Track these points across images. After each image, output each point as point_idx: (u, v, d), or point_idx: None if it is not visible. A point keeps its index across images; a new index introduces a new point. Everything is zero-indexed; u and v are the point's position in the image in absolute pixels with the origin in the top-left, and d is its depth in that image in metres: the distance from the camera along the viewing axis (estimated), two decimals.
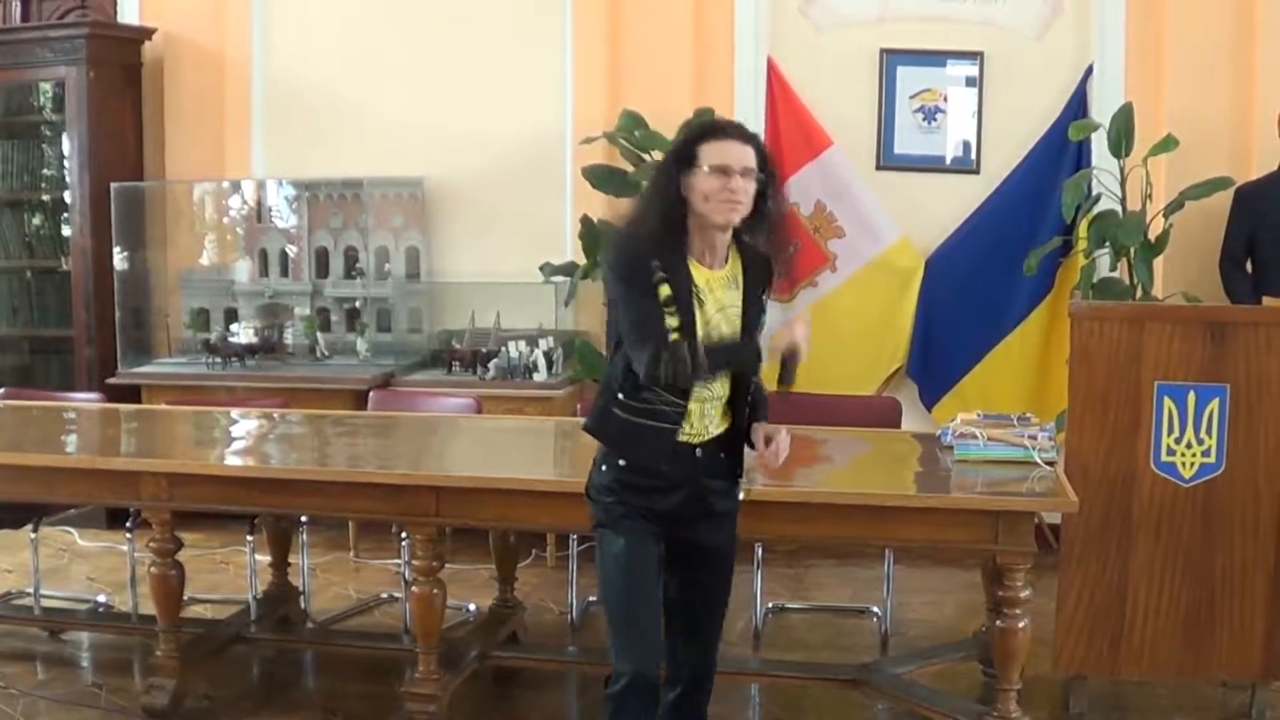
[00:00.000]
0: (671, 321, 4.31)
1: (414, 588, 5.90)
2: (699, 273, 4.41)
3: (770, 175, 4.43)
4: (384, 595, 7.78)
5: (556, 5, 9.11)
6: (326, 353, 9.23)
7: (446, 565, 5.95)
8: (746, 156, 4.34)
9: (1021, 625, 5.33)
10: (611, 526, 4.57)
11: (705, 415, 4.52)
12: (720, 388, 4.53)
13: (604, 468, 4.58)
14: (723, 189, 4.29)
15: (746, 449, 4.66)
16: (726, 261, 4.50)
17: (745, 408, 4.63)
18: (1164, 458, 6.00)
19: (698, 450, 4.54)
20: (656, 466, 4.48)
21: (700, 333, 4.35)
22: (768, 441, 4.59)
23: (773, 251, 4.55)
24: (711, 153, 4.32)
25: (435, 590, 5.84)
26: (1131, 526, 6.02)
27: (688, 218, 4.38)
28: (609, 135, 8.55)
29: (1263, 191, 8.24)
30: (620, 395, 4.47)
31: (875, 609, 7.31)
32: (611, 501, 4.55)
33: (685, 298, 4.33)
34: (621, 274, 4.42)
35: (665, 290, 4.31)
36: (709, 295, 4.41)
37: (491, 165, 9.17)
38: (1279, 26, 8.52)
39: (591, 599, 7.62)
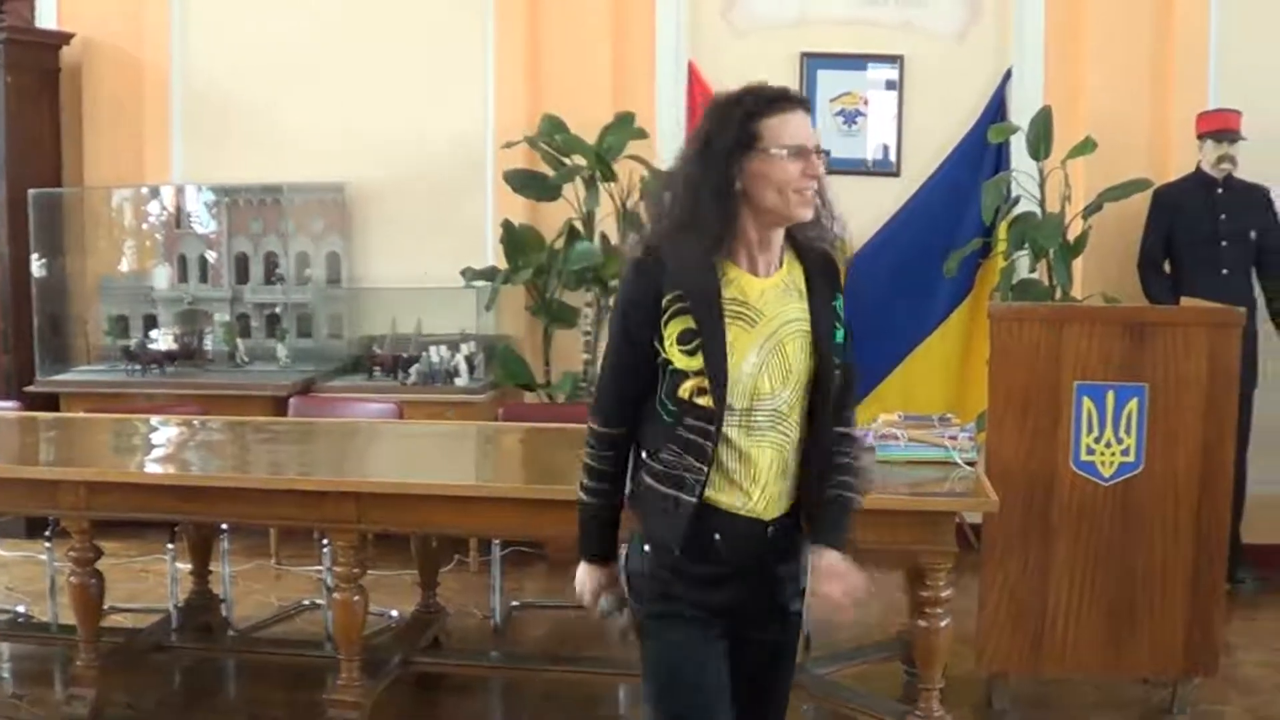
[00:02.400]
0: (690, 362, 3.46)
1: (336, 594, 5.88)
2: (749, 285, 3.54)
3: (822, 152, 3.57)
4: (306, 602, 7.73)
5: (477, 10, 9.09)
6: (247, 359, 9.18)
7: (368, 571, 5.93)
8: (814, 130, 3.56)
9: (943, 625, 5.37)
10: (656, 623, 3.65)
11: (773, 482, 3.58)
12: (793, 436, 3.60)
13: (645, 548, 3.62)
14: (802, 175, 3.47)
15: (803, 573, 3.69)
16: (782, 264, 3.62)
17: (824, 461, 3.66)
18: (1083, 457, 6.04)
19: (770, 528, 3.59)
20: (669, 549, 3.54)
21: (752, 359, 3.49)
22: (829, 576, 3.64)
23: (830, 245, 3.71)
24: (780, 130, 3.46)
25: (357, 597, 5.81)
26: (1052, 526, 6.07)
27: (738, 214, 3.51)
28: (530, 139, 8.56)
29: (1180, 193, 8.33)
30: (645, 454, 3.62)
31: (798, 610, 7.30)
32: (655, 594, 3.62)
33: (713, 327, 3.45)
34: (621, 309, 3.63)
35: (684, 323, 3.46)
36: (762, 312, 3.53)
37: (413, 170, 9.14)
38: (1196, 30, 8.62)
39: (515, 603, 7.63)
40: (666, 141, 8.86)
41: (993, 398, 6.10)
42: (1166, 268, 8.40)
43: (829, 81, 8.98)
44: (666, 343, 3.50)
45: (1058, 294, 8.13)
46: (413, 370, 8.68)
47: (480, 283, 8.70)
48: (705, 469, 3.49)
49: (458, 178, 9.12)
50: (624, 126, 8.47)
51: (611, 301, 8.47)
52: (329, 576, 6.50)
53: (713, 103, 3.63)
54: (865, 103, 8.98)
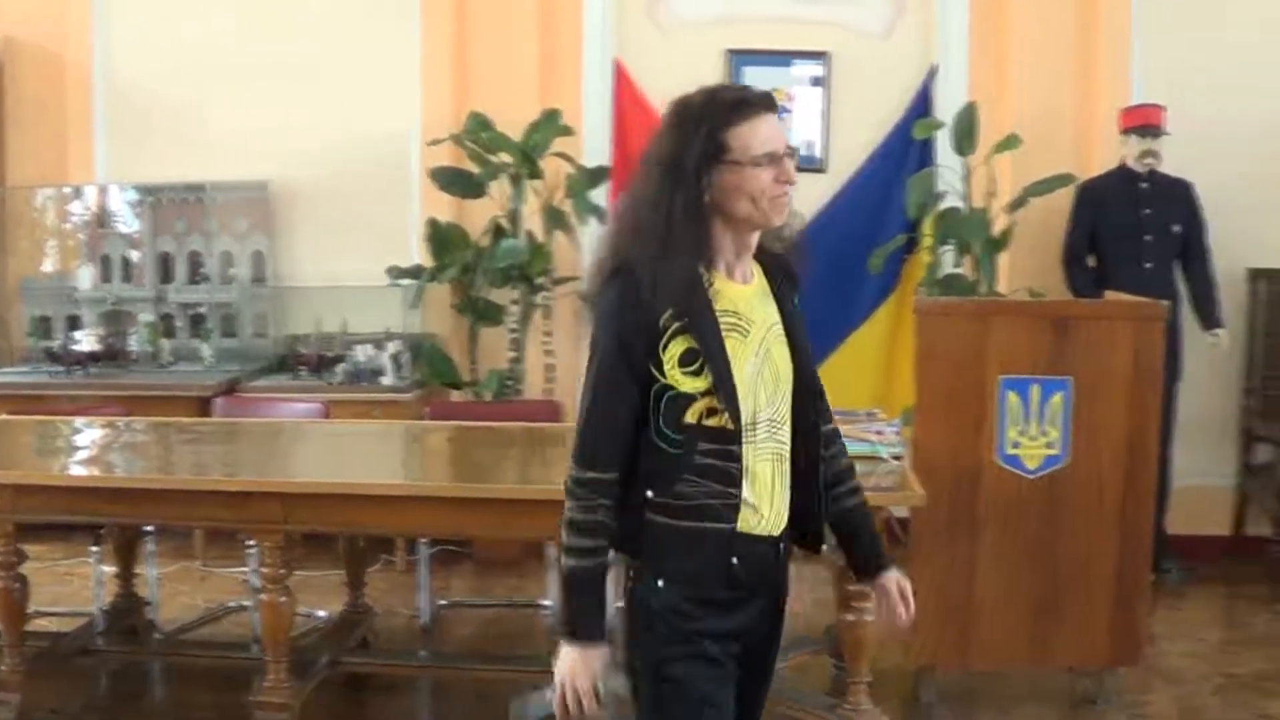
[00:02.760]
0: (696, 383, 3.29)
1: (262, 596, 5.83)
2: (735, 292, 3.41)
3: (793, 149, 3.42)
4: (232, 604, 7.67)
5: (403, 7, 9.05)
6: (171, 359, 9.10)
7: (295, 572, 5.89)
8: (782, 131, 3.41)
9: (870, 619, 5.37)
10: (676, 665, 3.38)
11: (778, 494, 3.45)
12: (787, 443, 3.48)
13: (660, 582, 3.37)
14: (775, 182, 3.32)
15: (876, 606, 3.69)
16: (753, 264, 3.51)
17: (818, 464, 3.56)
18: (1009, 450, 6.08)
19: (780, 544, 3.48)
20: (719, 581, 3.37)
21: (750, 371, 3.37)
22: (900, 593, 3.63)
23: (787, 245, 3.57)
24: (751, 136, 3.31)
25: (284, 598, 5.76)
26: (978, 519, 6.10)
27: (712, 229, 3.36)
28: (455, 137, 8.53)
29: (1104, 188, 8.41)
30: (650, 493, 3.35)
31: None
32: (676, 632, 3.37)
33: (714, 344, 3.31)
34: (605, 344, 3.37)
35: (684, 343, 3.29)
36: (751, 319, 3.41)
37: (337, 168, 9.10)
38: (1120, 26, 8.70)
39: (442, 602, 7.61)
40: (592, 138, 8.91)
41: (919, 392, 6.12)
42: (1090, 262, 8.47)
43: (755, 78, 8.96)
44: (667, 366, 3.30)
45: (983, 288, 8.18)
46: (338, 369, 8.64)
47: (406, 281, 8.67)
48: (736, 493, 3.34)
49: (383, 175, 9.08)
50: (550, 124, 8.45)
51: (536, 299, 8.48)
52: (255, 578, 6.47)
53: (673, 112, 3.41)
54: (791, 99, 9.00)
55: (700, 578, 3.36)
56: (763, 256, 3.51)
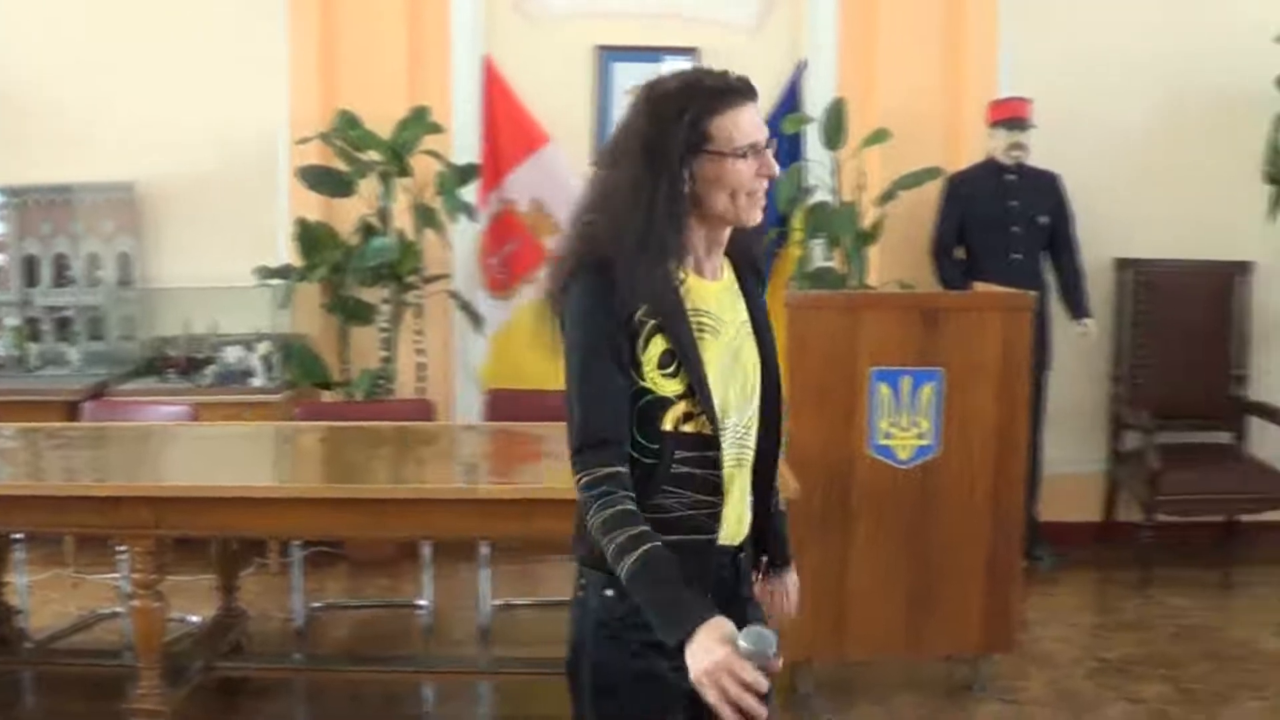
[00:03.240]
0: (673, 385, 3.14)
1: (134, 602, 5.76)
2: (705, 290, 3.27)
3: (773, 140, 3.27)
4: (104, 611, 7.56)
5: (270, 4, 8.93)
6: (38, 363, 8.97)
7: (167, 577, 5.81)
8: (761, 119, 3.24)
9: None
10: (634, 686, 3.23)
11: (739, 502, 3.33)
12: (750, 448, 3.35)
13: (610, 593, 3.20)
14: (756, 175, 3.18)
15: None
16: (722, 267, 3.37)
17: (773, 473, 3.47)
18: (881, 441, 6.13)
19: (741, 555, 3.37)
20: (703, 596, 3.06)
21: (719, 378, 3.21)
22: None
23: (751, 239, 3.42)
24: (733, 127, 3.15)
25: (156, 603, 5.70)
26: (851, 510, 6.15)
27: (688, 223, 3.21)
28: (324, 135, 8.46)
29: (972, 180, 8.50)
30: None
31: None
32: (639, 645, 3.16)
33: (688, 344, 3.16)
34: (588, 337, 3.14)
35: (661, 344, 3.13)
36: (721, 318, 3.28)
37: (204, 168, 8.98)
38: (987, 20, 8.79)
39: (316, 605, 7.56)
40: (461, 135, 8.86)
41: (790, 385, 6.11)
42: (959, 254, 8.54)
43: (624, 74, 8.98)
44: (646, 369, 3.14)
45: (853, 282, 8.22)
46: (208, 371, 8.54)
47: (275, 281, 8.59)
48: (719, 501, 3.22)
49: (250, 175, 8.96)
50: (419, 121, 8.41)
51: (407, 297, 8.45)
52: (127, 584, 6.39)
53: (648, 98, 3.21)
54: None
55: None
56: (734, 251, 3.37)
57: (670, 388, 3.14)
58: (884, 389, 6.13)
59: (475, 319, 8.65)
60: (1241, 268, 8.90)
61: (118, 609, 7.29)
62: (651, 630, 2.98)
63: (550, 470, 6.15)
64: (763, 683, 2.81)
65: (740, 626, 2.88)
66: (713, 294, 3.26)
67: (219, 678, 6.50)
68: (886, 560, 6.21)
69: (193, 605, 7.33)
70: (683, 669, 2.86)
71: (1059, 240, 8.52)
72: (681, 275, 3.19)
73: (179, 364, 8.68)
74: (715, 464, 3.19)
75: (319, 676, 6.76)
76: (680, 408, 3.15)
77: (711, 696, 2.79)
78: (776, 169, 3.22)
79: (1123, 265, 8.91)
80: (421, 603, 7.32)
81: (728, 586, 3.29)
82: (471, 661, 6.84)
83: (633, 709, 3.23)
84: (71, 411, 7.94)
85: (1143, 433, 8.37)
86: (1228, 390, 8.95)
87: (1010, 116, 8.40)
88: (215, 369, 8.53)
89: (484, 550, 7.07)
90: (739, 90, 3.18)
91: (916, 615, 6.26)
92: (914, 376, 6.14)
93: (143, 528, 5.58)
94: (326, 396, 8.67)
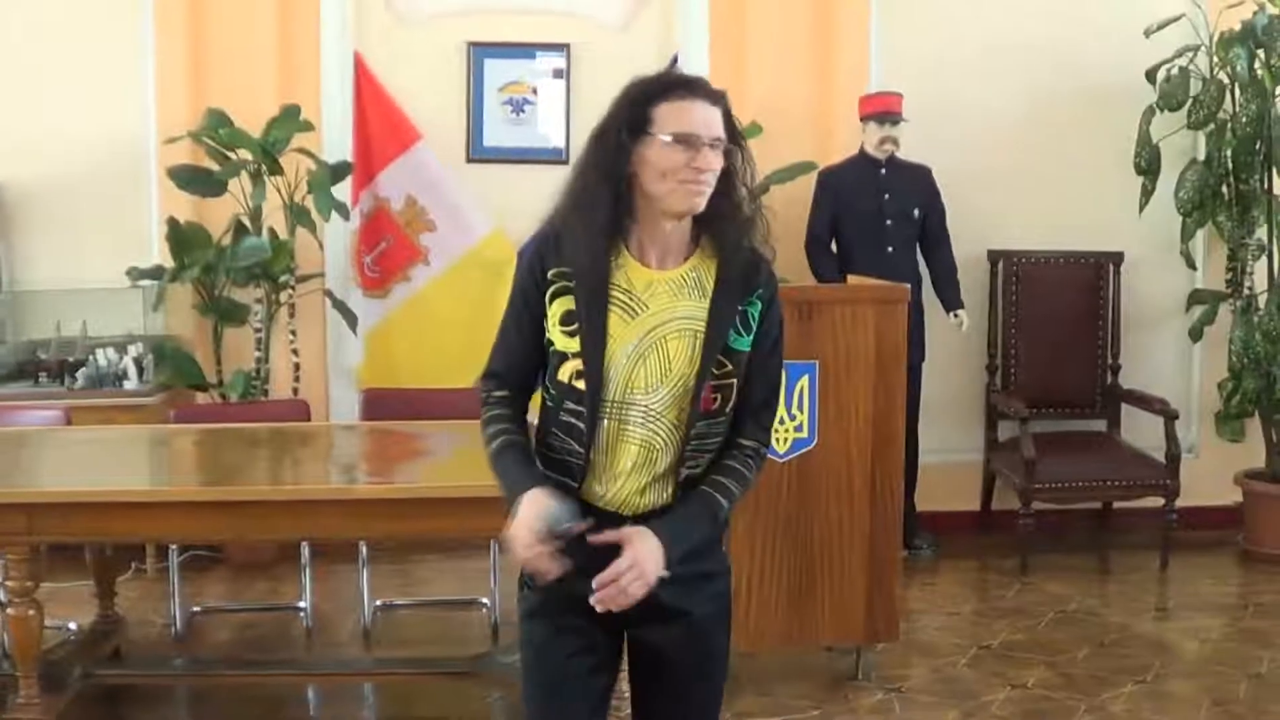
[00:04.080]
0: (570, 344, 3.38)
1: (10, 610, 5.67)
2: (637, 274, 3.43)
3: (740, 147, 3.48)
4: None
5: (137, 3, 8.83)
6: None
7: (43, 584, 5.73)
8: (715, 122, 3.38)
9: None
10: (527, 616, 3.57)
11: (632, 476, 3.44)
12: (664, 437, 3.44)
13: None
14: (688, 165, 3.32)
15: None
16: (687, 260, 3.48)
17: (698, 471, 3.49)
18: None
19: (626, 525, 3.41)
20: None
21: (628, 351, 3.38)
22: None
23: (756, 248, 3.55)
24: (672, 116, 3.35)
25: (32, 611, 5.61)
26: None
27: (633, 201, 3.41)
28: (193, 134, 8.37)
29: (844, 174, 8.55)
30: (536, 442, 3.53)
31: (484, 600, 7.29)
32: (530, 586, 3.53)
33: (595, 312, 3.37)
34: (515, 283, 3.51)
35: (567, 303, 3.39)
36: (646, 304, 3.41)
37: (73, 168, 8.84)
38: (858, 14, 8.89)
39: (195, 609, 7.50)
40: (333, 133, 8.80)
41: None
42: (833, 247, 8.58)
43: (496, 70, 8.98)
44: (550, 322, 3.42)
45: None
46: (80, 374, 8.41)
47: (146, 282, 8.49)
48: (586, 454, 3.41)
49: (120, 175, 8.82)
50: (289, 119, 8.34)
51: (281, 297, 8.39)
52: (1, 592, 6.29)
53: (621, 89, 3.53)
54: (534, 91, 8.99)
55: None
56: (731, 256, 3.47)
57: (565, 344, 3.39)
58: None
59: (350, 318, 8.58)
60: (1113, 258, 9.02)
61: None
62: (567, 580, 3.33)
63: (428, 469, 6.14)
64: (541, 563, 3.29)
65: (644, 606, 3.32)
66: (645, 280, 3.42)
67: (99, 685, 6.41)
68: (767, 553, 6.23)
69: (70, 612, 7.22)
70: (582, 620, 3.41)
71: (932, 233, 8.60)
72: (619, 253, 3.42)
73: (50, 368, 8.55)
74: (589, 422, 3.39)
75: (200, 682, 6.69)
76: (574, 364, 3.38)
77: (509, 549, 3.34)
78: (712, 165, 3.35)
79: (995, 257, 9.00)
80: (302, 605, 7.29)
81: (604, 551, 3.33)
82: (354, 663, 6.82)
83: (537, 651, 3.58)
84: None
85: (1018, 422, 8.44)
86: (1101, 379, 9.07)
87: (881, 110, 8.46)
88: (87, 372, 8.39)
89: (363, 550, 7.05)
90: (691, 86, 3.41)
91: (798, 606, 6.28)
92: (790, 369, 6.14)
93: (16, 534, 5.49)
94: (201, 398, 8.59)
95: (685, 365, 3.40)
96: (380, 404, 7.31)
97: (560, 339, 3.40)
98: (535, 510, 3.29)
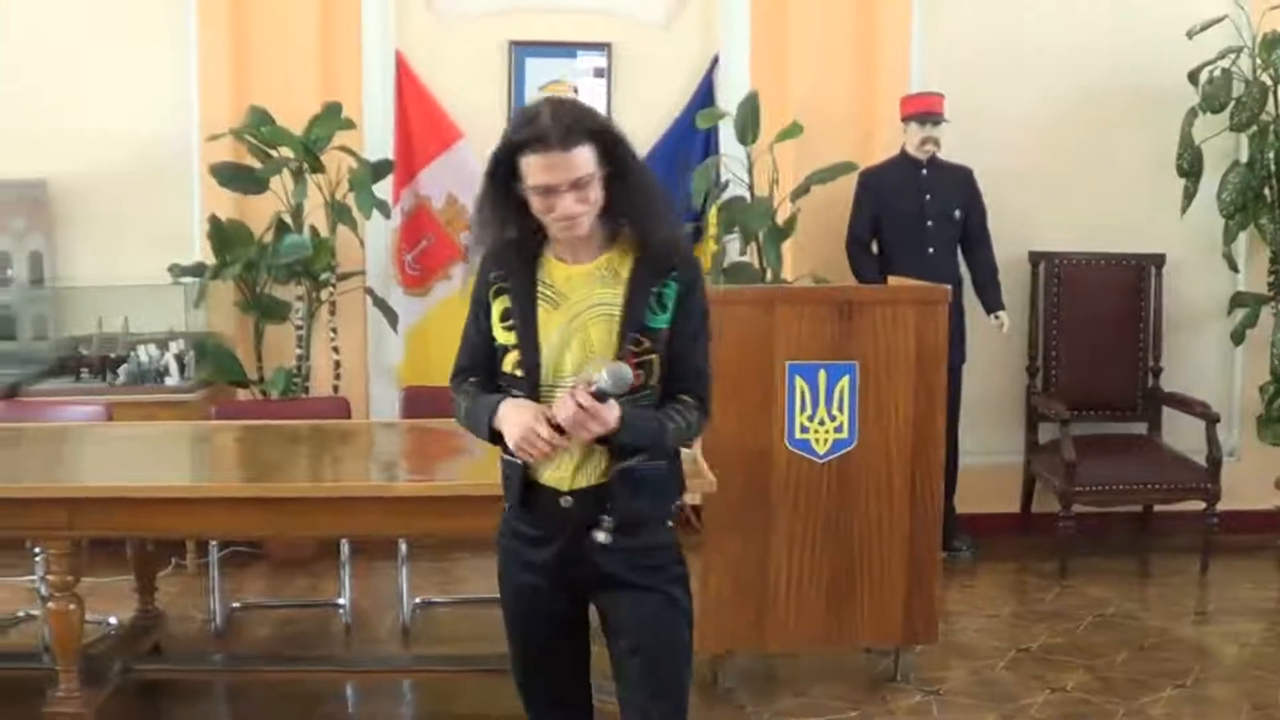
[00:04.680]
0: (509, 336, 3.78)
1: (51, 604, 5.70)
2: (556, 270, 3.80)
3: (619, 159, 3.72)
4: (20, 614, 7.49)
5: (179, 1, 8.86)
6: None
7: (84, 578, 5.76)
8: (574, 164, 3.61)
9: None
10: (501, 579, 4.04)
11: (567, 455, 3.75)
12: None
13: (504, 511, 4.00)
14: (549, 213, 3.66)
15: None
16: (603, 254, 3.81)
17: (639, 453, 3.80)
18: (798, 435, 6.14)
19: (563, 499, 3.78)
20: (513, 505, 3.89)
21: (554, 339, 3.72)
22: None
23: (667, 238, 3.84)
24: (533, 169, 3.62)
25: (73, 605, 5.64)
26: (770, 504, 6.17)
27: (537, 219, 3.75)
28: (235, 132, 8.41)
29: (885, 174, 8.53)
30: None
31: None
32: (501, 547, 4.00)
33: (525, 306, 3.75)
34: (473, 285, 3.94)
35: (504, 302, 3.80)
36: (566, 295, 3.76)
37: (116, 165, 8.88)
38: (899, 14, 8.86)
39: (235, 605, 7.53)
40: (374, 131, 8.83)
41: None
42: (874, 248, 8.57)
43: (538, 69, 8.98)
44: (493, 320, 3.84)
45: (768, 276, 8.24)
46: (121, 371, 8.45)
47: (188, 279, 8.54)
48: None
49: (163, 172, 8.87)
50: (331, 117, 8.37)
51: (322, 295, 8.42)
52: (42, 586, 6.32)
53: (510, 121, 3.86)
54: (575, 90, 8.97)
55: (511, 504, 3.91)
56: (647, 246, 3.79)
57: (505, 338, 3.81)
58: (801, 383, 6.14)
59: (390, 315, 8.61)
60: (1155, 260, 8.98)
61: (34, 611, 7.23)
62: (516, 548, 3.94)
63: (468, 467, 6.14)
64: (559, 440, 3.62)
65: (585, 571, 3.82)
66: (564, 275, 3.80)
67: (138, 680, 6.43)
68: (807, 553, 6.23)
69: (110, 607, 7.26)
70: (544, 584, 3.89)
71: (972, 234, 8.57)
72: (543, 254, 3.83)
73: (92, 363, 8.59)
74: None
75: (239, 677, 6.71)
76: (514, 355, 3.79)
77: (525, 458, 3.73)
78: (576, 207, 3.66)
79: (1036, 258, 8.98)
80: (341, 602, 7.31)
81: (555, 520, 3.83)
82: (392, 660, 6.83)
83: (509, 614, 4.04)
84: None
85: (1058, 424, 8.42)
86: (1142, 382, 9.03)
87: (923, 111, 8.43)
88: (129, 368, 8.43)
89: (403, 548, 7.07)
90: (547, 139, 3.61)
91: (837, 607, 6.28)
92: (830, 370, 6.16)
93: (57, 528, 5.53)
94: (242, 395, 8.63)
95: (607, 345, 3.73)
96: (420, 402, 7.31)
97: (501, 334, 3.82)
98: (529, 406, 3.68)
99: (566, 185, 3.62)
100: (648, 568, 3.86)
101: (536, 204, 3.67)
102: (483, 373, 3.92)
